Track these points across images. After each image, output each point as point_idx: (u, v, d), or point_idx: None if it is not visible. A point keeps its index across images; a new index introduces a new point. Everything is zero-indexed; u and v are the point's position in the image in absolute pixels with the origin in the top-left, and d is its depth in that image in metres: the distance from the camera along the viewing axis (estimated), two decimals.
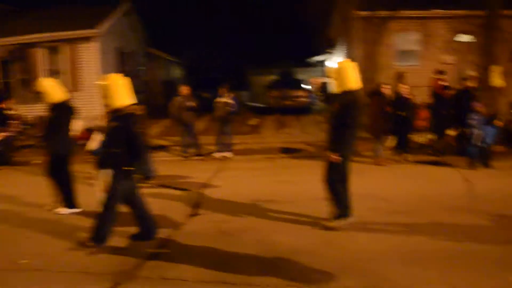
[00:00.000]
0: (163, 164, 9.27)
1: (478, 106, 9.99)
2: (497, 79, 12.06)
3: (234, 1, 31.39)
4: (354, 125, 5.43)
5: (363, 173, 7.98)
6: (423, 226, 5.48)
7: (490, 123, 9.69)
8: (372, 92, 10.37)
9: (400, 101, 9.90)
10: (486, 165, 9.23)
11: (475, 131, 9.54)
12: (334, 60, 20.27)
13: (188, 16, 30.58)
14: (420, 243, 4.91)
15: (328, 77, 7.72)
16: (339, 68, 5.56)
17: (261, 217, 6.00)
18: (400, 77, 12.95)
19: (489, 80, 12.02)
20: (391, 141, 10.24)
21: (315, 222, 5.62)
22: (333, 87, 5.66)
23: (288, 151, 12.03)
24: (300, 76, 24.85)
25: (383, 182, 8.09)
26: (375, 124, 9.92)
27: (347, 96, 5.41)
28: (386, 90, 10.11)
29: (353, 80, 5.45)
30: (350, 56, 16.58)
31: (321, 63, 26.18)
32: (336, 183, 5.45)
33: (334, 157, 5.33)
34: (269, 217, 6.00)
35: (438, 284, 3.93)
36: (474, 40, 16.08)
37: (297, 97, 20.07)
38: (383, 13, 15.43)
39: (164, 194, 7.30)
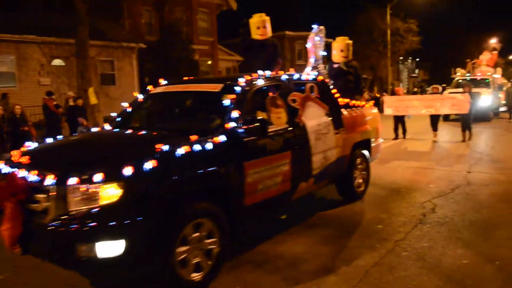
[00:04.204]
0: None
1: (82, 120, 12.06)
2: (92, 98, 14.53)
3: None
4: None
5: None
6: None
7: None
8: None
9: (14, 119, 10.67)
10: None
11: None
12: None
13: None
14: None
15: None
16: None
17: None
18: (4, 97, 13.47)
19: (88, 99, 14.30)
20: None
21: None
22: None
23: None
24: None
25: None
26: None
27: None
28: None
29: None
30: None
31: None
32: None
33: None
34: None
35: None
36: (64, 64, 18.17)
37: None
38: None
39: None
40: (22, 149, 4.34)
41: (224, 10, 28.46)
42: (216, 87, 4.79)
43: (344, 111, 6.16)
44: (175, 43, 22.05)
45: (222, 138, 4.01)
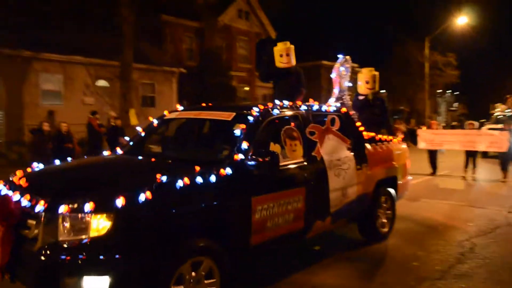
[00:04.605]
0: None
1: (123, 140, 12.41)
2: (133, 119, 15.01)
3: None
4: None
5: None
6: None
7: None
8: (34, 129, 11.17)
9: (61, 136, 11.11)
10: None
11: None
12: None
13: None
14: None
15: None
16: None
17: None
18: (51, 115, 14.12)
19: (128, 120, 14.79)
20: None
21: None
22: None
23: None
24: None
25: None
26: (37, 159, 10.69)
27: None
28: (46, 127, 11.12)
29: None
30: None
31: None
32: None
33: None
34: None
35: None
36: (108, 85, 18.88)
37: None
38: (27, 53, 16.14)
39: None
40: (28, 170, 4.14)
41: (263, 39, 29.05)
42: (228, 116, 4.54)
43: (369, 146, 5.77)
44: (214, 68, 22.61)
45: (228, 170, 3.75)
